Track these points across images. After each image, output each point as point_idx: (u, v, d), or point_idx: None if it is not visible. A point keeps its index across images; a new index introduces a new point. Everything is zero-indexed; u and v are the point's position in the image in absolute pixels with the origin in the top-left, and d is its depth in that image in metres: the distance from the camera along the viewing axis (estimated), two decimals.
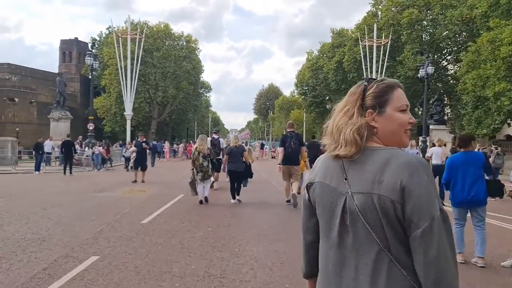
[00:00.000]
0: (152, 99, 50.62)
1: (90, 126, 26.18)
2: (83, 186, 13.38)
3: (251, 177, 10.81)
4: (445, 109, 37.68)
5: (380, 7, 42.64)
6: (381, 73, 35.63)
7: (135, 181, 14.37)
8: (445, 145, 12.58)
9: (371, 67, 36.35)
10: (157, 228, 6.78)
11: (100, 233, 6.37)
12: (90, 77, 27.58)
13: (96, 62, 26.62)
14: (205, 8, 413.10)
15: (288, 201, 9.65)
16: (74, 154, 20.03)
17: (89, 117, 26.73)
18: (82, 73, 52.93)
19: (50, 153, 24.19)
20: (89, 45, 55.34)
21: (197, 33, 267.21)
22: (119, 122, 47.19)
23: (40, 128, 39.34)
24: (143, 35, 37.32)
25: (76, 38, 55.99)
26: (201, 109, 73.73)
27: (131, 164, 19.42)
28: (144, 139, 16.05)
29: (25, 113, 47.37)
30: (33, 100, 47.73)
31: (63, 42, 57.62)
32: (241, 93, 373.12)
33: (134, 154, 15.54)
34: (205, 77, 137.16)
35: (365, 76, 37.06)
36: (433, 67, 27.65)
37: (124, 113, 36.38)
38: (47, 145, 23.47)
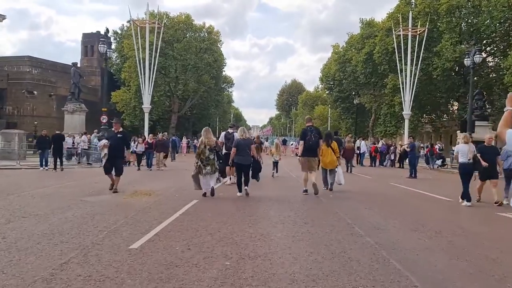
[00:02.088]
0: (172, 92, 48.84)
1: (103, 119, 24.36)
2: (80, 187, 11.36)
3: (259, 170, 10.88)
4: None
5: None
6: (416, 64, 32.68)
7: (113, 190, 10.20)
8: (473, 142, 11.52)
9: (405, 58, 33.38)
10: (149, 260, 4.55)
11: (61, 268, 4.19)
12: (104, 66, 25.69)
13: (111, 50, 24.73)
14: (230, 5, 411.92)
15: (305, 191, 10.32)
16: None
17: (102, 109, 24.90)
18: (104, 66, 51.66)
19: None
20: (111, 38, 54.07)
21: (221, 30, 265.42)
22: (138, 116, 45.63)
23: (59, 121, 38.01)
24: (163, 24, 35.32)
25: (98, 32, 54.61)
26: (223, 104, 71.66)
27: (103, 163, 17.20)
28: (121, 129, 11.06)
29: (44, 107, 46.45)
30: (52, 93, 46.79)
31: (85, 36, 56.51)
32: (263, 89, 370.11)
33: (106, 151, 10.36)
34: (228, 73, 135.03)
35: (398, 67, 34.34)
36: (480, 56, 24.68)
37: (142, 106, 34.61)
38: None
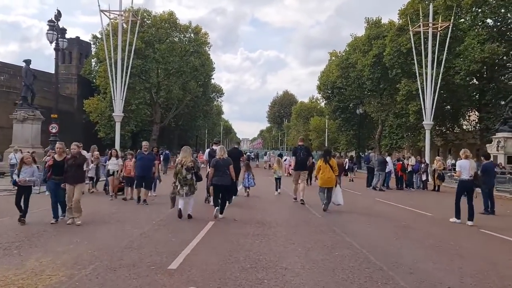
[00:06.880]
0: (154, 100, 43.10)
1: (53, 128, 18.58)
2: None
3: (235, 193, 10.92)
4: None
5: None
6: (438, 66, 27.49)
7: None
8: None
9: (425, 58, 28.07)
10: None
11: None
12: (55, 58, 19.83)
13: (64, 40, 19.01)
14: (223, 18, 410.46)
15: (295, 199, 12.94)
16: None
17: (52, 116, 19.09)
18: (81, 74, 46.02)
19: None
20: (91, 43, 48.78)
21: (214, 43, 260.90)
22: (114, 127, 39.96)
23: None
24: (139, 17, 29.68)
25: (78, 38, 49.35)
26: (212, 116, 65.99)
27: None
28: None
29: (7, 116, 40.26)
30: (17, 102, 40.67)
31: None
32: (254, 103, 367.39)
33: None
34: (219, 86, 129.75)
35: (417, 70, 29.10)
36: None
37: (113, 114, 28.92)
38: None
